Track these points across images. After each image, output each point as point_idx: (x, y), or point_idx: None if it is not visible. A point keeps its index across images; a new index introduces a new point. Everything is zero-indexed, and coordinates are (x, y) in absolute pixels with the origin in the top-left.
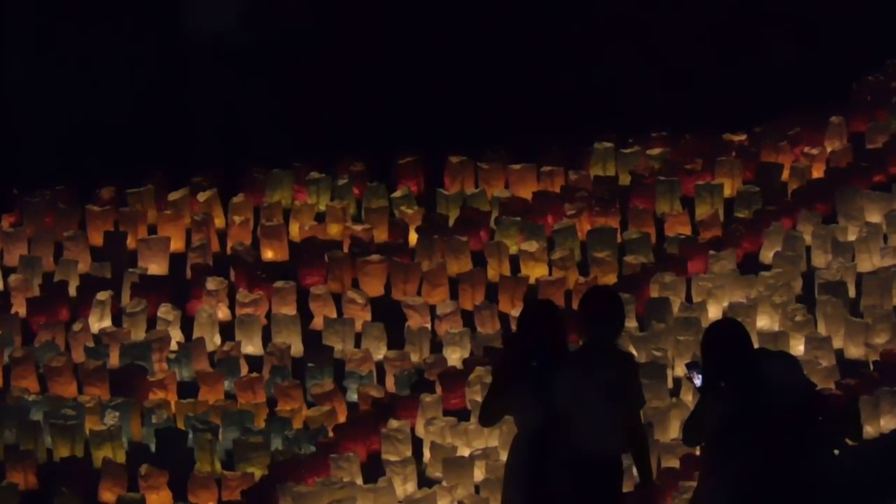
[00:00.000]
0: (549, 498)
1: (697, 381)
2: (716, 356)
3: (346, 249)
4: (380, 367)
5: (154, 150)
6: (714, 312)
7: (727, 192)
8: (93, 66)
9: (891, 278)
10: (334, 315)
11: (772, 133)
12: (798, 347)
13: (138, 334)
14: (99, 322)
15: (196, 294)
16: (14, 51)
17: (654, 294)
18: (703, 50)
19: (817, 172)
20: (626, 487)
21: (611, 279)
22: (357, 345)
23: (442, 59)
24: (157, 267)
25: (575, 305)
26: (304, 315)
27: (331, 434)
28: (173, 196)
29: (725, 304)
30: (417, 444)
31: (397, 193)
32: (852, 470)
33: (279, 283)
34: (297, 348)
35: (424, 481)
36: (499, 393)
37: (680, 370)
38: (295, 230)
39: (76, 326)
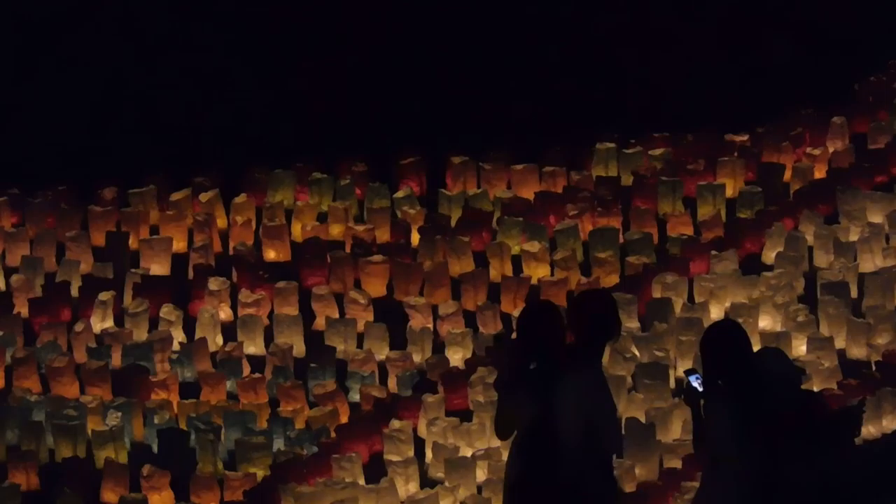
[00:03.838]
0: (550, 499)
1: (699, 385)
2: (715, 357)
3: (347, 250)
4: (382, 367)
5: (155, 150)
6: (716, 313)
7: (729, 192)
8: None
9: (893, 279)
10: (336, 315)
11: (774, 133)
12: (800, 348)
13: (140, 335)
14: (101, 322)
15: (198, 294)
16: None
17: (656, 294)
18: (704, 50)
19: (819, 173)
20: (629, 488)
21: (613, 279)
22: (359, 345)
23: (443, 59)
24: (159, 267)
25: None
26: (307, 315)
27: (333, 434)
28: (175, 196)
29: (727, 304)
30: (419, 444)
31: (399, 194)
32: (853, 470)
33: (281, 284)
34: (299, 348)
35: (426, 482)
36: (505, 401)
37: (682, 371)
38: (297, 230)
39: (78, 327)
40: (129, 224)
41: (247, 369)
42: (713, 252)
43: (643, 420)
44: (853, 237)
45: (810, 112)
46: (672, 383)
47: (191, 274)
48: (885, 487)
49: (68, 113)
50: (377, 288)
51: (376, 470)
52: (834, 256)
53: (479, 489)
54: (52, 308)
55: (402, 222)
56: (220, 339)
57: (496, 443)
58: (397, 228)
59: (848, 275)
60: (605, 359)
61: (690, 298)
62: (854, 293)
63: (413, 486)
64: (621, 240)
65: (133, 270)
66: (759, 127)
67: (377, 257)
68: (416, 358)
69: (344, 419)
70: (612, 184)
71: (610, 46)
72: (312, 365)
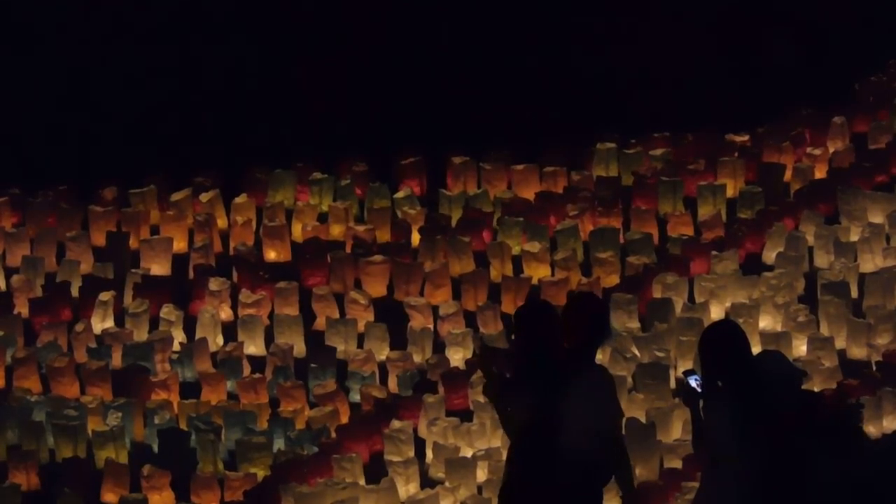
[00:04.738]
0: (549, 500)
1: (697, 385)
2: (714, 357)
3: (348, 250)
4: (382, 367)
5: (156, 149)
6: (716, 313)
7: (729, 192)
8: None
9: (893, 279)
10: (336, 315)
11: (774, 133)
12: (800, 348)
13: (141, 335)
14: (101, 322)
15: (198, 294)
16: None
17: (657, 294)
18: (705, 50)
19: (820, 173)
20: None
21: (613, 280)
22: (359, 345)
23: (444, 58)
24: (159, 267)
25: None
26: (307, 315)
27: (333, 434)
28: (176, 196)
29: (728, 304)
30: (420, 444)
31: (400, 194)
32: (854, 471)
33: (281, 284)
34: (299, 349)
35: (427, 482)
36: (499, 404)
37: (681, 372)
38: (297, 230)
39: (78, 327)
40: (130, 224)
41: (247, 369)
42: (713, 252)
43: (643, 420)
44: (854, 237)
45: (810, 112)
46: (672, 383)
47: (191, 274)
48: (886, 488)
49: (68, 113)
50: (377, 288)
51: (377, 470)
52: (834, 256)
53: (480, 489)
54: (53, 308)
55: (402, 222)
56: (220, 340)
57: (496, 443)
58: (398, 228)
59: (848, 275)
60: (606, 359)
61: (691, 298)
62: (854, 293)
63: (413, 487)
64: (622, 240)
65: (133, 270)
66: (760, 127)
67: (377, 257)
68: (417, 358)
69: (344, 419)
70: (612, 184)
71: (610, 46)
72: (313, 365)
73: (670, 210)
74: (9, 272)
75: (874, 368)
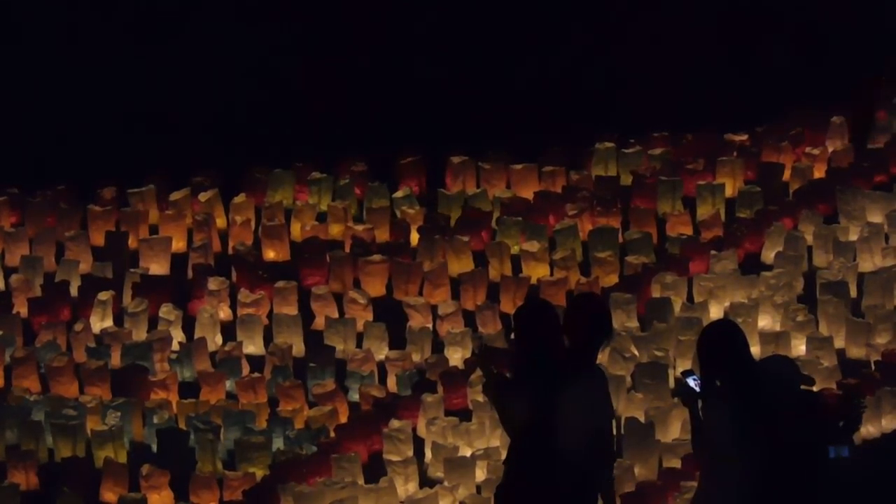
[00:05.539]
0: (549, 501)
1: (696, 385)
2: (712, 357)
3: (347, 249)
4: (381, 367)
5: (155, 149)
6: (715, 312)
7: (728, 192)
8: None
9: (892, 278)
10: (336, 315)
11: (773, 133)
12: (799, 348)
13: (139, 334)
14: (100, 322)
15: (197, 294)
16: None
17: (656, 294)
18: (704, 50)
19: (818, 172)
20: (628, 487)
21: (612, 279)
22: (358, 345)
23: (443, 58)
24: (158, 267)
25: None
26: (306, 315)
27: (332, 434)
28: (175, 196)
29: (727, 304)
30: (419, 444)
31: (399, 193)
32: (853, 468)
33: (280, 283)
34: (298, 348)
35: (426, 481)
36: (497, 403)
37: (681, 371)
38: (296, 230)
39: (77, 326)
40: (129, 224)
41: (246, 369)
42: (712, 252)
43: (642, 420)
44: (852, 237)
45: (810, 112)
46: (671, 383)
47: (190, 273)
48: (886, 488)
49: (68, 113)
50: (376, 287)
51: (376, 470)
52: (833, 256)
53: (479, 489)
54: (52, 308)
55: (401, 222)
56: (219, 339)
57: (496, 442)
58: (397, 228)
59: (847, 274)
60: (605, 359)
61: (690, 298)
62: (853, 293)
63: (412, 486)
64: (621, 239)
65: (132, 270)
66: (759, 127)
67: (376, 257)
68: (416, 357)
69: (343, 419)
70: (611, 183)
71: (610, 46)
72: (312, 365)
73: (669, 210)
74: (8, 272)
75: (873, 368)
